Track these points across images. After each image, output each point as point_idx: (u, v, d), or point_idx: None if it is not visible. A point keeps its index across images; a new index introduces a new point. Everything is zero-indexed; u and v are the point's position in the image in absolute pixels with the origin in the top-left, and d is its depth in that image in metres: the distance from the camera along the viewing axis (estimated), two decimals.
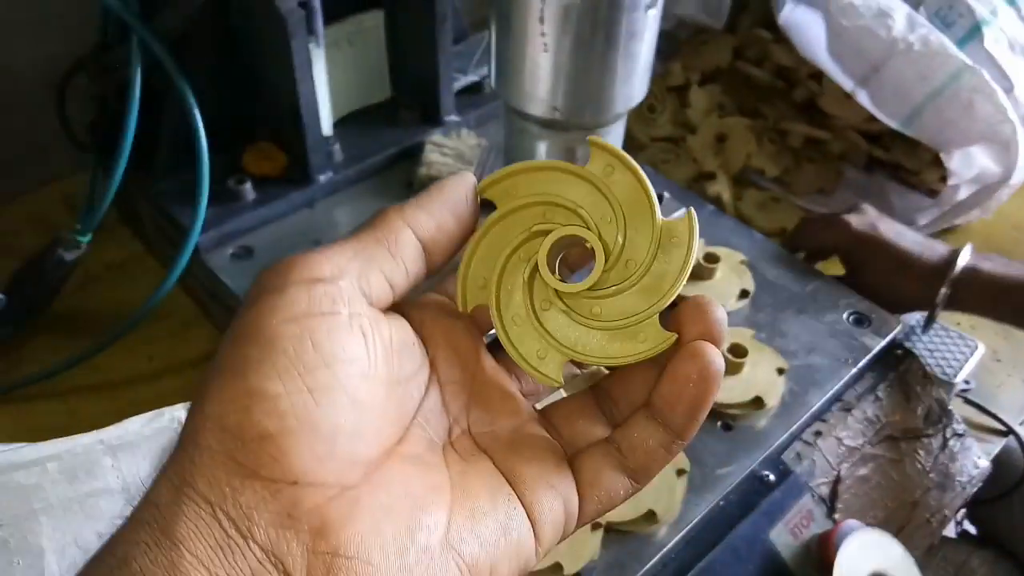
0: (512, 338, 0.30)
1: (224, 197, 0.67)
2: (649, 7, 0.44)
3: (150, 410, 0.64)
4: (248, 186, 0.68)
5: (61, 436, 0.62)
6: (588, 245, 0.29)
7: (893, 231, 0.68)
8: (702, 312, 0.28)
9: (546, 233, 0.29)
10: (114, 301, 0.72)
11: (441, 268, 0.30)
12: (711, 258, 0.64)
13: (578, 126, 0.49)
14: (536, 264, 0.29)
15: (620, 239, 0.29)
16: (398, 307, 0.30)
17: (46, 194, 0.83)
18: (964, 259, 0.65)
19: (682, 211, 0.29)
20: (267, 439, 0.23)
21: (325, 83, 0.70)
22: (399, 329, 0.28)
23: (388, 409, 0.27)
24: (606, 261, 0.29)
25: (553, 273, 0.29)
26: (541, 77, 0.46)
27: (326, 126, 0.71)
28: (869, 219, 0.69)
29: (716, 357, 0.27)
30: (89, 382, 0.66)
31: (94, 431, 0.44)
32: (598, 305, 0.29)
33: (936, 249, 0.67)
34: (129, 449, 0.43)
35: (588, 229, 0.29)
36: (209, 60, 0.68)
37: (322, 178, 0.71)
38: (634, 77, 0.47)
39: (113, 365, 0.67)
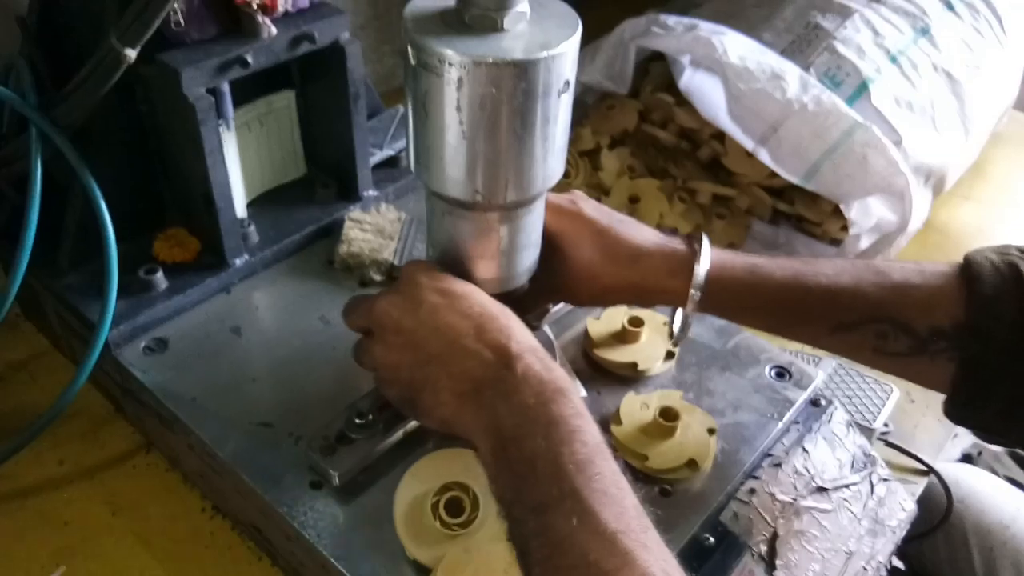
0: None
1: (135, 288, 0.65)
2: (561, 92, 0.45)
3: (62, 520, 0.60)
4: (160, 275, 0.65)
5: None
6: None
7: (589, 204, 0.59)
8: None
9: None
10: (20, 402, 0.68)
11: None
12: (635, 322, 0.64)
13: (499, 207, 0.50)
14: None
15: None
16: None
17: None
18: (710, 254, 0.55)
19: None
20: None
21: (237, 165, 0.68)
22: None
23: None
24: None
25: None
26: (460, 162, 0.46)
27: (240, 208, 0.70)
28: (566, 195, 0.59)
29: None
30: None
31: None
32: None
33: (634, 228, 0.57)
34: None
35: None
36: (114, 148, 0.66)
37: (238, 262, 0.69)
38: (551, 157, 0.48)
39: (19, 472, 0.63)
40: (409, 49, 0.44)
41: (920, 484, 0.70)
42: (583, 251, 0.56)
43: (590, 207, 0.58)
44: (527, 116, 0.45)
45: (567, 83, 0.46)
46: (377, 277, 0.70)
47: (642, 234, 0.57)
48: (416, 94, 0.46)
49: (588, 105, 1.02)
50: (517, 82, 0.43)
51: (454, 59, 0.42)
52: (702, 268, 0.54)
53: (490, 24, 0.44)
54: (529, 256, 0.55)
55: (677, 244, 0.56)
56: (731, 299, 0.56)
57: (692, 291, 0.54)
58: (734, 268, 0.55)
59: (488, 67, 0.42)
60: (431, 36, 0.43)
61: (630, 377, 0.63)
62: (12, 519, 0.60)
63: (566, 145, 0.50)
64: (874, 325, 0.53)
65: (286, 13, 0.64)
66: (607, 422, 0.59)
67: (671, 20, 0.90)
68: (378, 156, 0.79)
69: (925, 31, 0.96)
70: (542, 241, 0.56)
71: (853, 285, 0.53)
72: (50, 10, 0.63)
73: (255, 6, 0.60)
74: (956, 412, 0.54)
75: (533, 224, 0.53)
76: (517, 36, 0.44)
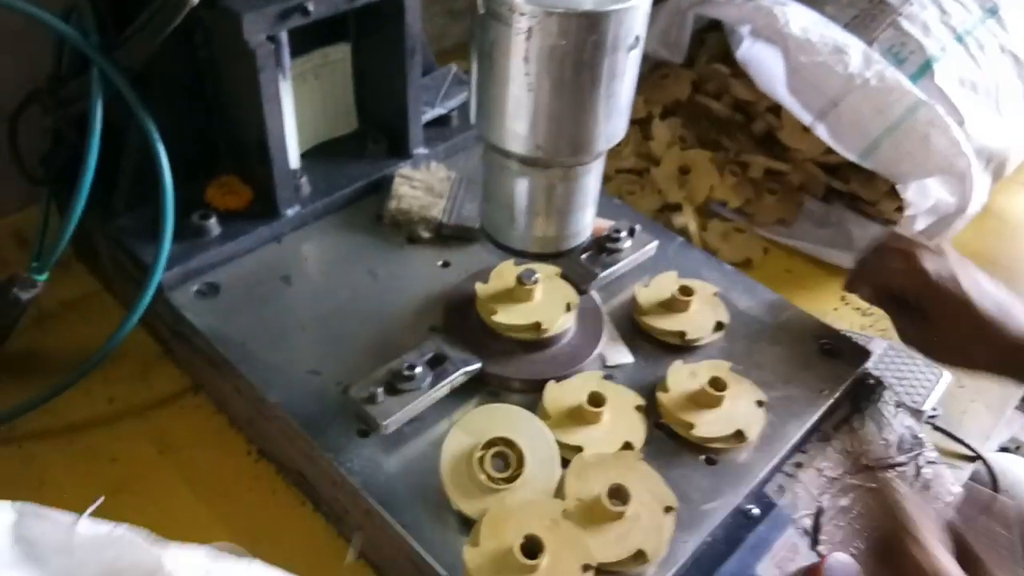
0: None
1: (188, 232, 0.65)
2: (631, 48, 0.45)
3: (110, 456, 0.62)
4: (213, 220, 0.66)
5: (14, 484, 0.59)
6: None
7: (975, 286, 0.57)
8: None
9: None
10: (71, 340, 0.69)
11: None
12: (686, 291, 0.64)
13: (560, 164, 0.49)
14: None
15: None
16: None
17: None
18: None
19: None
20: None
21: (292, 116, 0.68)
22: None
23: None
24: None
25: None
26: (524, 116, 0.46)
27: (293, 159, 0.70)
28: (949, 264, 0.58)
29: None
30: (45, 426, 0.63)
31: None
32: None
33: (1019, 315, 0.56)
34: None
35: None
36: (173, 92, 0.66)
37: (289, 212, 0.69)
38: (615, 116, 0.48)
39: (70, 408, 0.64)
40: None
41: (966, 470, 0.68)
42: (953, 332, 0.56)
43: (969, 282, 0.56)
44: (595, 70, 0.44)
45: (637, 39, 0.45)
46: (425, 234, 0.70)
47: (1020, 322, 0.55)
48: (483, 44, 0.45)
49: (641, 74, 1.00)
50: (587, 34, 0.43)
51: (525, 8, 0.42)
52: None
53: None
54: (586, 216, 0.54)
55: None
56: None
57: None
58: None
59: (559, 17, 0.42)
60: None
61: (677, 346, 0.63)
62: (62, 453, 0.62)
63: (631, 105, 0.50)
64: None
65: None
66: (653, 388, 0.59)
67: None
68: (430, 114, 0.79)
69: (994, 11, 0.93)
70: (909, 299, 0.58)
71: None
72: None
73: None
74: None
75: (592, 184, 0.53)
76: None
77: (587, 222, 0.56)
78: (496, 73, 0.45)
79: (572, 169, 0.50)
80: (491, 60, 0.45)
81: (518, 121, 0.46)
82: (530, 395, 0.57)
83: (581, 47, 0.43)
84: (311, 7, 0.61)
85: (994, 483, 0.73)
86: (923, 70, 0.87)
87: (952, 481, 0.63)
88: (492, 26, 0.43)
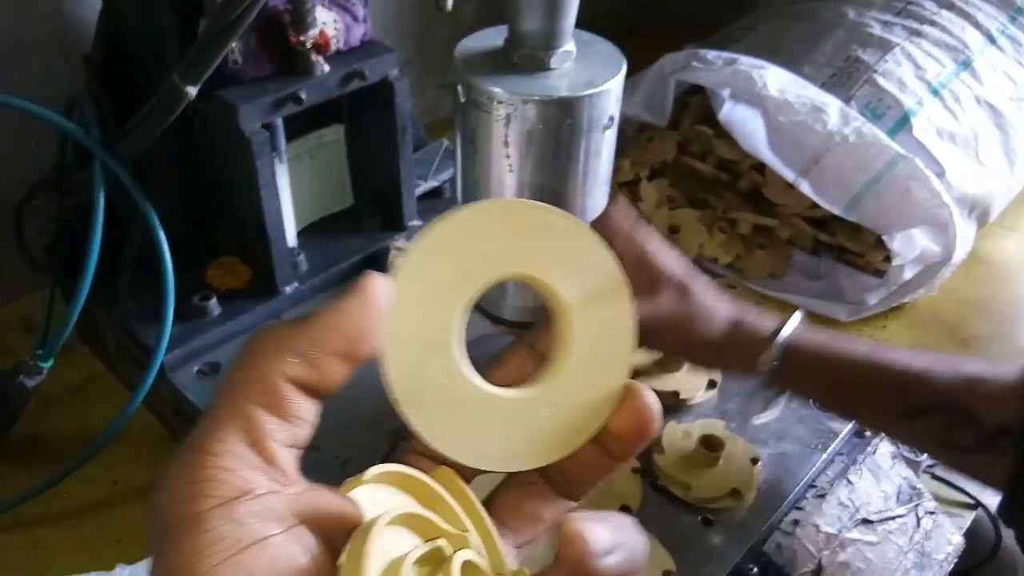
0: None
1: (189, 314, 0.67)
2: (606, 128, 0.47)
3: (115, 539, 0.62)
4: (213, 302, 0.68)
5: (20, 570, 0.60)
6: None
7: (675, 261, 0.52)
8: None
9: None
10: (76, 424, 0.70)
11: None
12: None
13: None
14: None
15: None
16: None
17: (0, 316, 0.81)
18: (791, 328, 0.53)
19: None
20: None
21: (289, 196, 0.71)
22: None
23: None
24: None
25: None
26: (507, 195, 0.48)
27: (291, 238, 0.72)
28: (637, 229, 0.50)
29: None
30: (50, 511, 0.64)
31: None
32: None
33: (726, 306, 0.54)
34: None
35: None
36: (172, 180, 0.68)
37: (288, 289, 0.71)
38: (595, 190, 0.49)
39: (75, 491, 0.65)
40: (459, 87, 0.46)
41: (967, 517, 0.68)
42: (652, 305, 0.51)
43: (669, 258, 0.52)
44: (572, 151, 0.46)
45: (611, 119, 0.47)
46: None
47: (718, 303, 0.54)
48: (465, 130, 0.47)
49: (628, 137, 1.03)
50: (563, 118, 0.45)
51: (503, 97, 0.44)
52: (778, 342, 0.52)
53: (537, 63, 0.45)
54: None
55: (753, 316, 0.54)
56: (802, 375, 0.53)
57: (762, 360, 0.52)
58: (806, 344, 0.53)
59: (535, 104, 0.44)
60: (480, 75, 0.45)
61: (671, 406, 0.64)
62: (68, 537, 0.62)
63: (610, 178, 0.51)
64: (942, 414, 0.51)
65: (338, 51, 0.67)
66: (648, 450, 0.59)
67: (711, 55, 0.91)
68: (423, 187, 0.81)
69: (967, 64, 0.96)
70: None
71: (924, 371, 0.51)
72: (114, 49, 0.67)
73: (309, 46, 0.63)
74: (1008, 512, 0.51)
75: None
76: (563, 74, 0.46)
77: None
78: (479, 156, 0.47)
79: None
80: (473, 145, 0.47)
81: None
82: None
83: (557, 130, 0.45)
84: (304, 95, 0.64)
85: (996, 529, 0.73)
86: (901, 124, 0.89)
87: (953, 530, 0.63)
88: (473, 114, 0.46)
